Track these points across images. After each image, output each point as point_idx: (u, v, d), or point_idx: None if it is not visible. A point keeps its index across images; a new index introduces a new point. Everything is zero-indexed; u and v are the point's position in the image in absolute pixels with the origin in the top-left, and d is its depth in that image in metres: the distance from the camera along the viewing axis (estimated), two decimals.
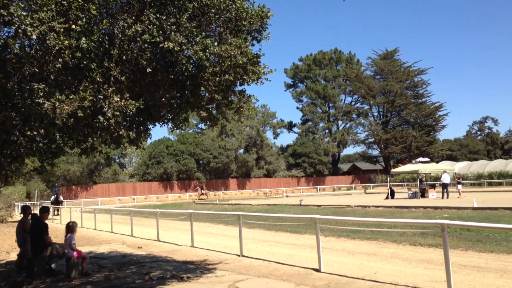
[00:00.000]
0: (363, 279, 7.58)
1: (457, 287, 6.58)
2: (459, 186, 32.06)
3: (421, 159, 38.85)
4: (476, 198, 24.21)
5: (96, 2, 5.51)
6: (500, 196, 30.74)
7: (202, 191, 53.57)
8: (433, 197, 31.89)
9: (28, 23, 4.84)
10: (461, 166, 62.71)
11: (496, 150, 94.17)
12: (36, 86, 5.21)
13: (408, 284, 7.02)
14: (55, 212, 30.88)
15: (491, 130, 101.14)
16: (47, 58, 5.31)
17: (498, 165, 61.07)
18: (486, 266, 8.15)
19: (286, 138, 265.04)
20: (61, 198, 35.61)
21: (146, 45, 5.85)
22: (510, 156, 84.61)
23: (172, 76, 6.41)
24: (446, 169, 36.54)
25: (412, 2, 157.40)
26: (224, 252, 11.35)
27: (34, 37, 4.91)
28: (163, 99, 6.85)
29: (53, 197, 34.57)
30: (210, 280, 8.22)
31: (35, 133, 5.76)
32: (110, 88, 5.76)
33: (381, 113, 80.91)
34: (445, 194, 30.48)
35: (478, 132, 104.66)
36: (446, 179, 31.17)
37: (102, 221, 21.58)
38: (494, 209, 18.60)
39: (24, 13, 4.92)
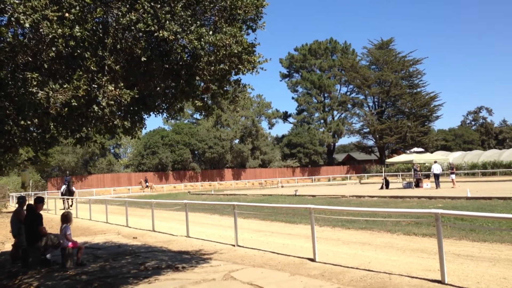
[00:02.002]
0: (357, 268, 7.63)
1: (451, 276, 6.62)
2: (453, 176, 32.30)
3: (415, 149, 39.00)
4: (470, 188, 24.38)
5: None
6: (493, 186, 30.95)
7: (147, 184, 52.11)
8: (428, 187, 32.09)
9: (21, 11, 4.78)
10: (455, 156, 63.05)
11: (490, 140, 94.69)
12: (29, 75, 5.16)
13: (402, 273, 7.07)
14: (67, 204, 27.42)
15: (486, 120, 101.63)
16: (41, 46, 5.25)
17: (492, 155, 61.42)
18: (480, 255, 8.21)
19: (281, 128, 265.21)
20: (74, 188, 30.68)
21: (140, 34, 5.80)
22: (504, 146, 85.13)
23: (167, 66, 6.37)
24: (441, 159, 36.80)
25: None
26: (219, 242, 11.39)
27: (27, 25, 4.85)
28: (158, 89, 6.81)
29: (64, 187, 29.88)
30: (205, 270, 8.24)
31: (28, 122, 5.71)
32: (105, 77, 5.72)
33: (376, 103, 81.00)
34: (437, 184, 30.91)
35: (473, 122, 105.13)
36: (436, 169, 31.49)
37: (97, 212, 21.56)
38: (487, 199, 18.72)
39: (17, 1, 4.85)
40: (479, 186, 30.03)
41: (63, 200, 28.44)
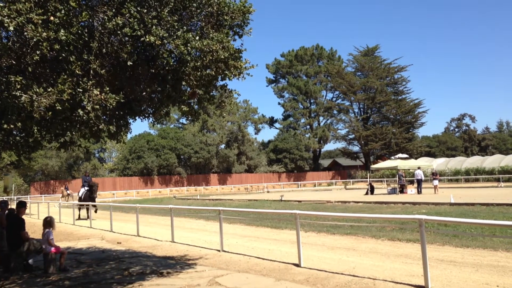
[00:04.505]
0: (342, 273, 7.65)
1: (434, 281, 6.68)
2: (436, 182, 32.75)
3: (400, 155, 39.40)
4: (453, 194, 24.65)
5: None
6: (476, 192, 31.33)
7: (68, 192, 46.19)
8: (412, 193, 32.46)
9: (5, 14, 4.74)
10: (439, 163, 63.76)
11: (473, 147, 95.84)
12: (13, 79, 5.11)
13: (386, 279, 7.11)
14: (85, 212, 21.20)
15: (469, 127, 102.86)
16: (25, 50, 5.20)
17: (475, 161, 62.23)
18: (463, 260, 8.30)
19: (268, 134, 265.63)
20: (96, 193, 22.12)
21: (126, 38, 5.78)
22: (486, 153, 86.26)
23: (153, 70, 6.35)
24: (425, 165, 37.23)
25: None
26: (205, 248, 11.34)
27: (11, 28, 4.81)
28: (144, 93, 6.79)
29: (82, 190, 22.08)
30: (190, 275, 8.20)
31: (12, 126, 5.65)
32: (90, 82, 5.68)
33: (361, 109, 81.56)
34: (420, 189, 31.54)
35: (456, 129, 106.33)
36: (419, 175, 32.06)
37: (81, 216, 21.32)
38: (470, 205, 18.95)
39: (1, 4, 4.81)
40: (462, 192, 30.39)
41: (79, 208, 21.87)
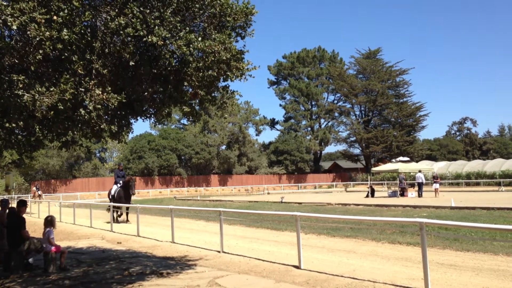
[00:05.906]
0: (342, 276, 7.65)
1: (434, 285, 6.67)
2: (436, 185, 32.75)
3: (401, 158, 39.42)
4: (454, 197, 24.62)
5: None
6: (477, 196, 31.29)
7: (39, 192, 44.09)
8: (412, 196, 32.44)
9: (8, 13, 4.75)
10: (440, 166, 63.71)
11: (475, 150, 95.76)
12: (15, 78, 5.12)
13: (387, 282, 7.10)
14: (119, 215, 18.49)
15: (470, 131, 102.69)
16: (28, 49, 5.21)
17: (476, 165, 62.22)
18: (463, 264, 8.28)
19: (269, 135, 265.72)
20: (134, 190, 18.75)
21: (129, 38, 5.79)
22: (487, 157, 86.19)
23: (155, 71, 6.36)
24: (426, 168, 37.17)
25: (397, 2, 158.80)
26: (205, 248, 11.33)
27: (14, 27, 4.82)
28: (146, 93, 6.79)
29: (115, 188, 19.07)
30: (190, 276, 8.20)
31: (14, 125, 5.66)
32: (92, 81, 5.69)
33: (363, 112, 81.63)
34: (420, 193, 31.55)
35: (457, 133, 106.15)
36: (420, 178, 32.09)
37: (82, 216, 21.31)
38: (471, 209, 18.93)
39: (5, 3, 4.82)
40: (463, 196, 30.35)
41: (113, 210, 17.64)
